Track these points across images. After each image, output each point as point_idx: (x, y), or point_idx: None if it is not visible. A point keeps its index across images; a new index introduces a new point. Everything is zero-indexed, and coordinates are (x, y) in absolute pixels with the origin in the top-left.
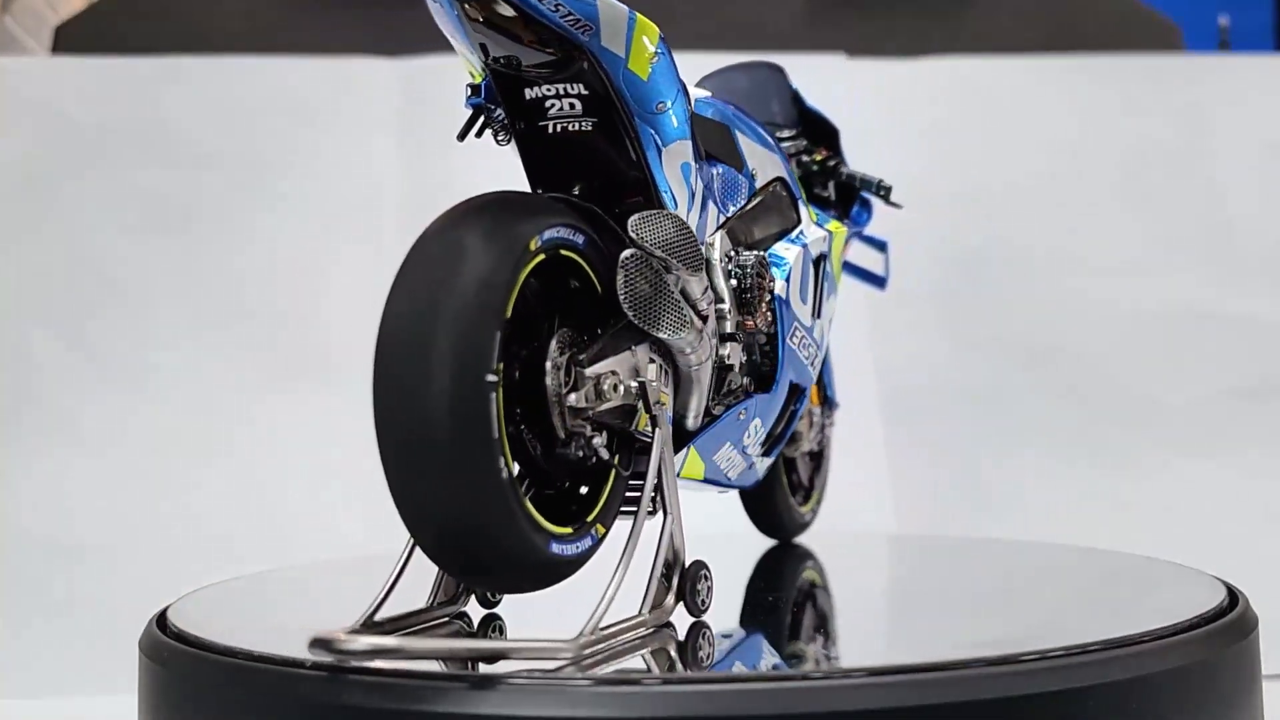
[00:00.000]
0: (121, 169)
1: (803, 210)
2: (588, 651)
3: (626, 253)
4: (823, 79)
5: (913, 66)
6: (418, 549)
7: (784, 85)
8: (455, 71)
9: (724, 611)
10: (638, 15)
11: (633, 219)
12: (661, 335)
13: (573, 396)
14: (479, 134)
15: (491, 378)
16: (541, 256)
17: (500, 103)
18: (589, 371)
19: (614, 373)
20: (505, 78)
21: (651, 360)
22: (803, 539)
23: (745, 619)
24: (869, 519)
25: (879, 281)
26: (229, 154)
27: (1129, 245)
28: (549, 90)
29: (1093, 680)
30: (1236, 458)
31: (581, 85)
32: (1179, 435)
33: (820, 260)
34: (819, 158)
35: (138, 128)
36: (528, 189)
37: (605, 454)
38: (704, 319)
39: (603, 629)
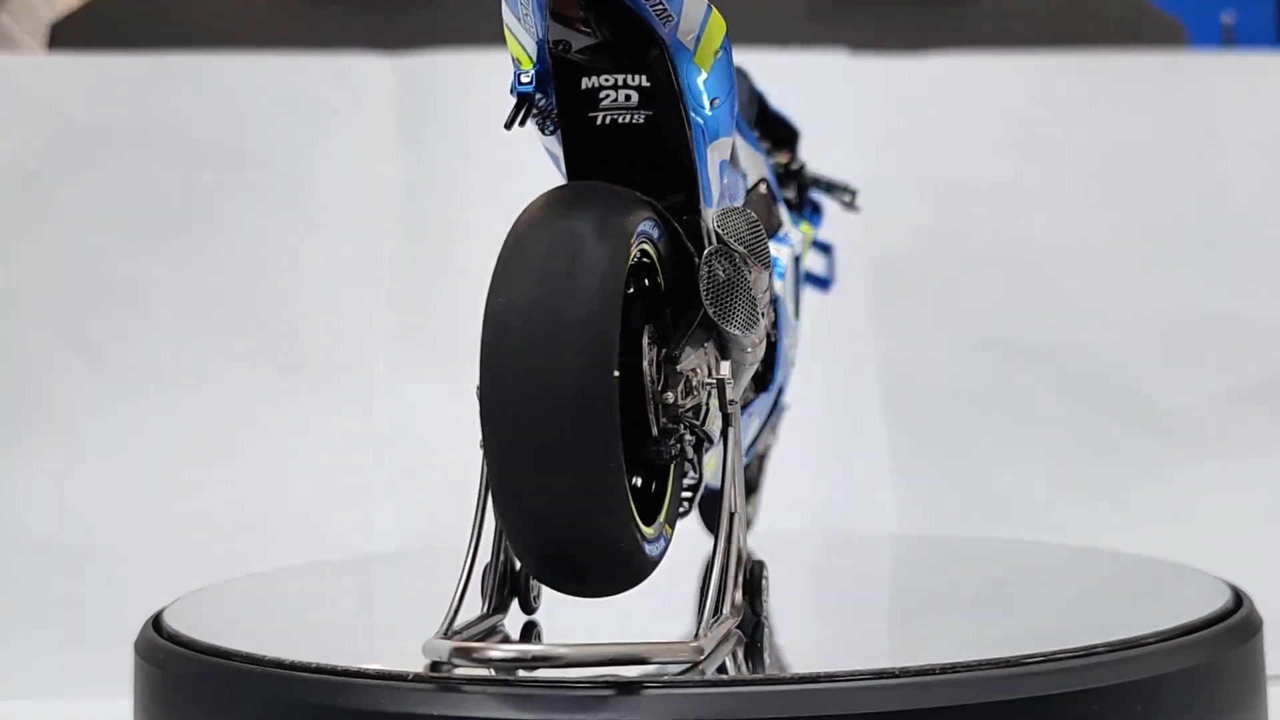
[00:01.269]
0: (118, 166)
1: (783, 211)
2: (708, 652)
3: (711, 247)
4: (824, 75)
5: (915, 63)
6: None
7: (747, 86)
8: (454, 68)
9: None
10: (713, 8)
11: (716, 214)
12: (734, 331)
13: (668, 394)
14: (522, 123)
15: (615, 373)
16: (636, 250)
17: (552, 92)
18: (680, 367)
19: (695, 370)
20: (566, 65)
21: (718, 358)
22: (805, 538)
23: (746, 619)
24: (869, 519)
25: (824, 284)
26: (227, 151)
27: (1131, 243)
28: (606, 81)
29: (1097, 683)
30: (1241, 458)
31: (644, 77)
32: (1182, 435)
33: (797, 261)
34: (783, 161)
35: (134, 125)
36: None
37: (692, 451)
38: (763, 316)
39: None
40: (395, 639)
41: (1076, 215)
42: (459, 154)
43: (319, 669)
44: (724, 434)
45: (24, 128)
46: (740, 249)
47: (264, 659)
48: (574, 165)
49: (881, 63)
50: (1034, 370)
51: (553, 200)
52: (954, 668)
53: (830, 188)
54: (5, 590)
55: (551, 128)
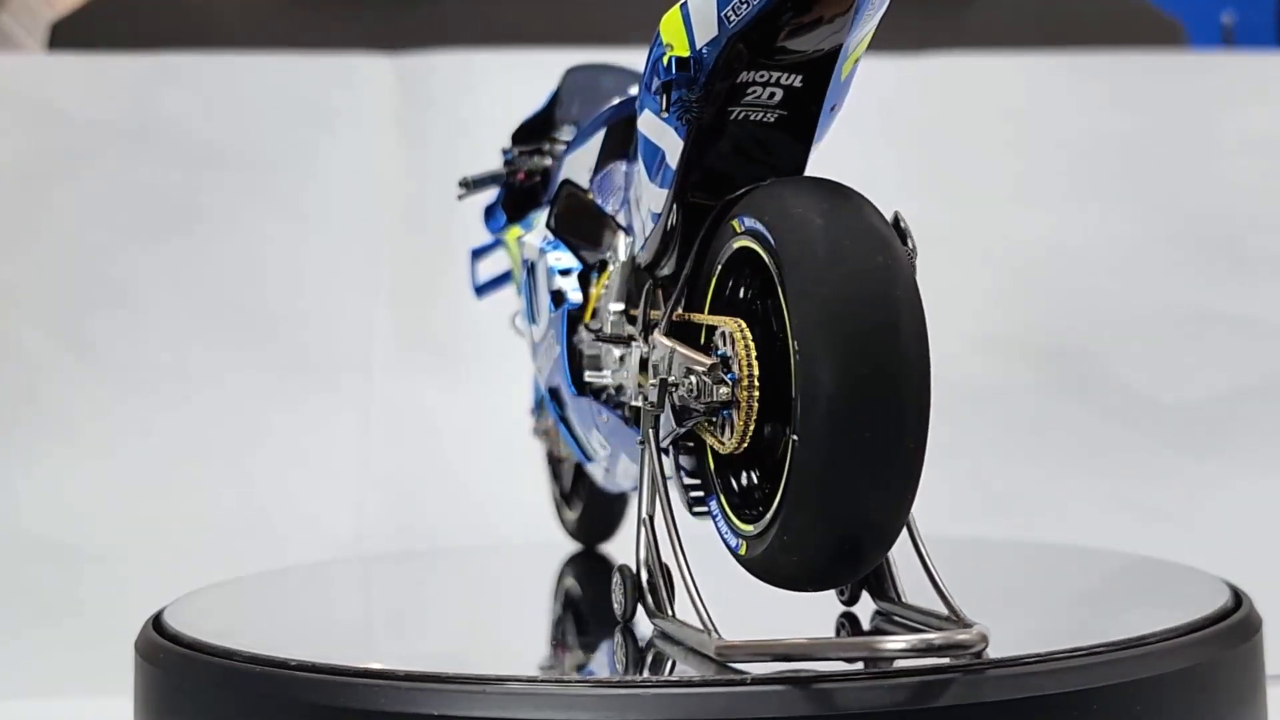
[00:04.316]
0: (118, 166)
1: None
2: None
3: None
4: None
5: (913, 63)
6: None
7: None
8: (454, 68)
9: (732, 612)
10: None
11: (896, 212)
12: None
13: None
14: (668, 109)
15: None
16: None
17: (704, 82)
18: None
19: None
20: (737, 57)
21: None
22: None
23: (747, 619)
24: None
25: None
26: (226, 151)
27: (1131, 243)
28: (762, 77)
29: (1097, 682)
30: (1240, 458)
31: (799, 77)
32: (1181, 435)
33: None
34: None
35: (134, 125)
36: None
37: None
38: None
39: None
40: (395, 639)
41: (1076, 215)
42: (459, 154)
43: (319, 668)
44: None
45: (24, 127)
46: (912, 244)
47: (264, 658)
48: (689, 157)
49: (881, 63)
50: (1034, 370)
51: (815, 193)
52: (954, 668)
53: None
54: (5, 590)
55: (691, 117)
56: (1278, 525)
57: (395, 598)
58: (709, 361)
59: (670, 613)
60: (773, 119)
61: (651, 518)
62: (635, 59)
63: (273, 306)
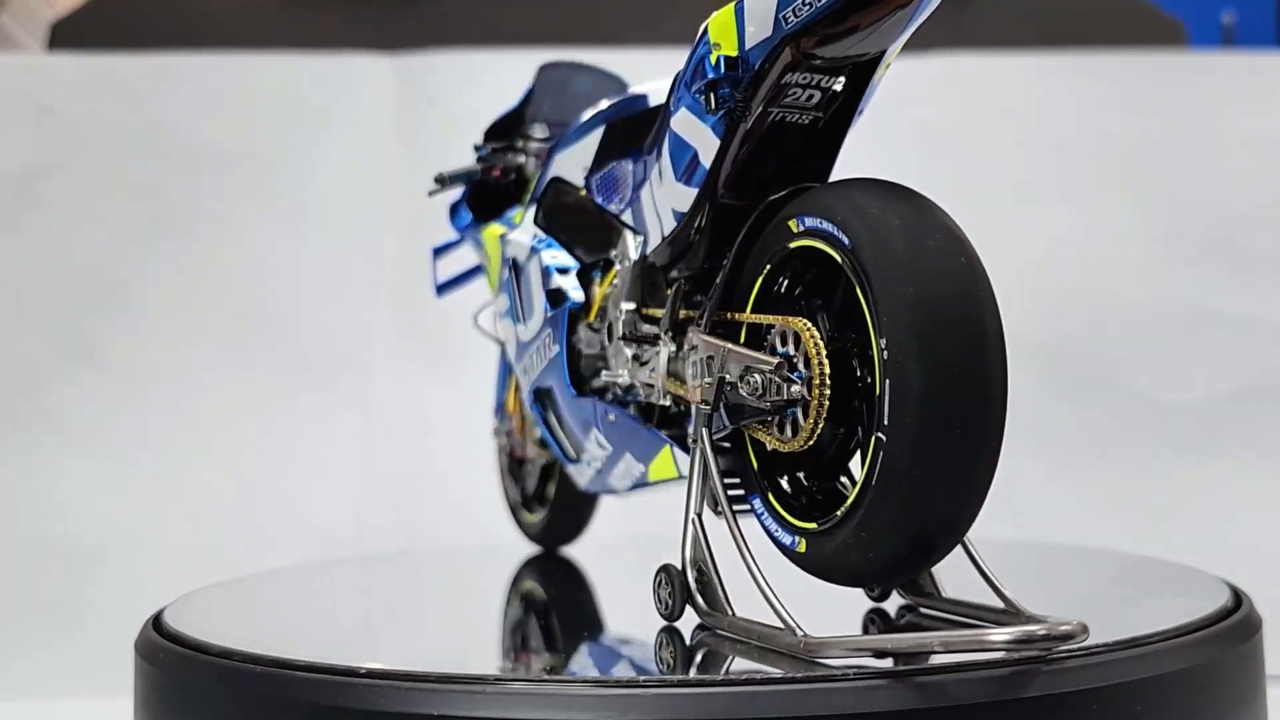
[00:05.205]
0: (118, 166)
1: None
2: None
3: None
4: None
5: (913, 63)
6: None
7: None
8: (453, 68)
9: (738, 612)
10: None
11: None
12: None
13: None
14: (716, 109)
15: None
16: None
17: (748, 82)
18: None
19: None
20: (788, 60)
21: None
22: None
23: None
24: None
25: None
26: (225, 151)
27: (1131, 243)
28: (804, 79)
29: (1097, 682)
30: (1240, 457)
31: (842, 79)
32: (1181, 435)
33: None
34: None
35: (133, 125)
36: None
37: None
38: None
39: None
40: (395, 639)
41: (1076, 215)
42: (458, 154)
43: (319, 668)
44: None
45: (24, 127)
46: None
47: (264, 658)
48: (723, 155)
49: None
50: (1033, 370)
51: (886, 194)
52: (954, 668)
53: None
54: (6, 590)
55: (734, 113)
56: (1278, 525)
57: (395, 598)
58: (774, 361)
59: (730, 611)
60: (807, 121)
61: (700, 516)
62: (635, 59)
63: (272, 306)
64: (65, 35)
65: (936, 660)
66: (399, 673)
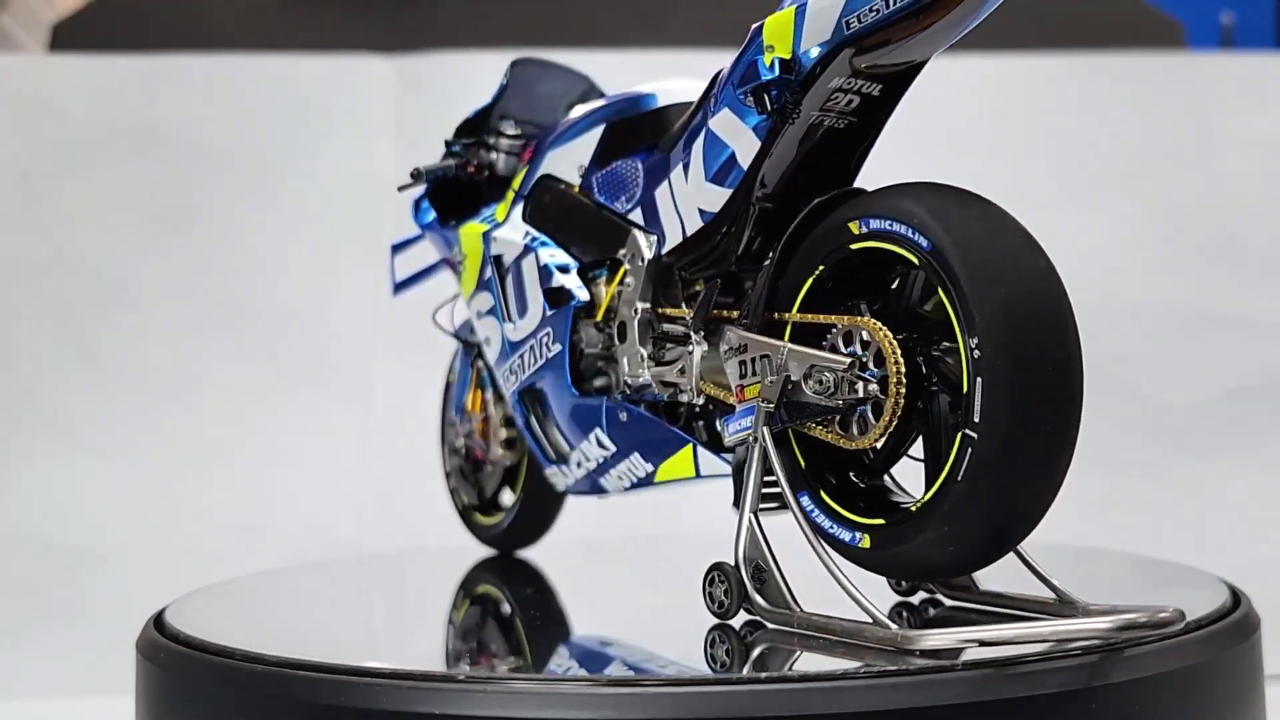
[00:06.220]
0: (118, 167)
1: None
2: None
3: None
4: None
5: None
6: None
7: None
8: (454, 70)
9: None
10: None
11: None
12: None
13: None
14: (772, 110)
15: None
16: None
17: (798, 85)
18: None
19: None
20: (840, 65)
21: None
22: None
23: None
24: None
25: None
26: (226, 152)
27: (1129, 244)
28: (850, 84)
29: (1095, 681)
30: (1238, 457)
31: (881, 85)
32: (1180, 435)
33: None
34: None
35: (135, 126)
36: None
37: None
38: None
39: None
40: (395, 639)
41: (1074, 215)
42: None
43: (320, 667)
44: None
45: (25, 128)
46: None
47: (265, 657)
48: (763, 157)
49: None
50: None
51: (958, 198)
52: (954, 667)
53: None
54: (7, 590)
55: (775, 115)
56: (1277, 525)
57: (395, 598)
58: (846, 360)
59: (798, 607)
60: (842, 125)
61: (756, 513)
62: (636, 60)
63: (273, 307)
64: (66, 36)
65: (940, 660)
66: (399, 672)
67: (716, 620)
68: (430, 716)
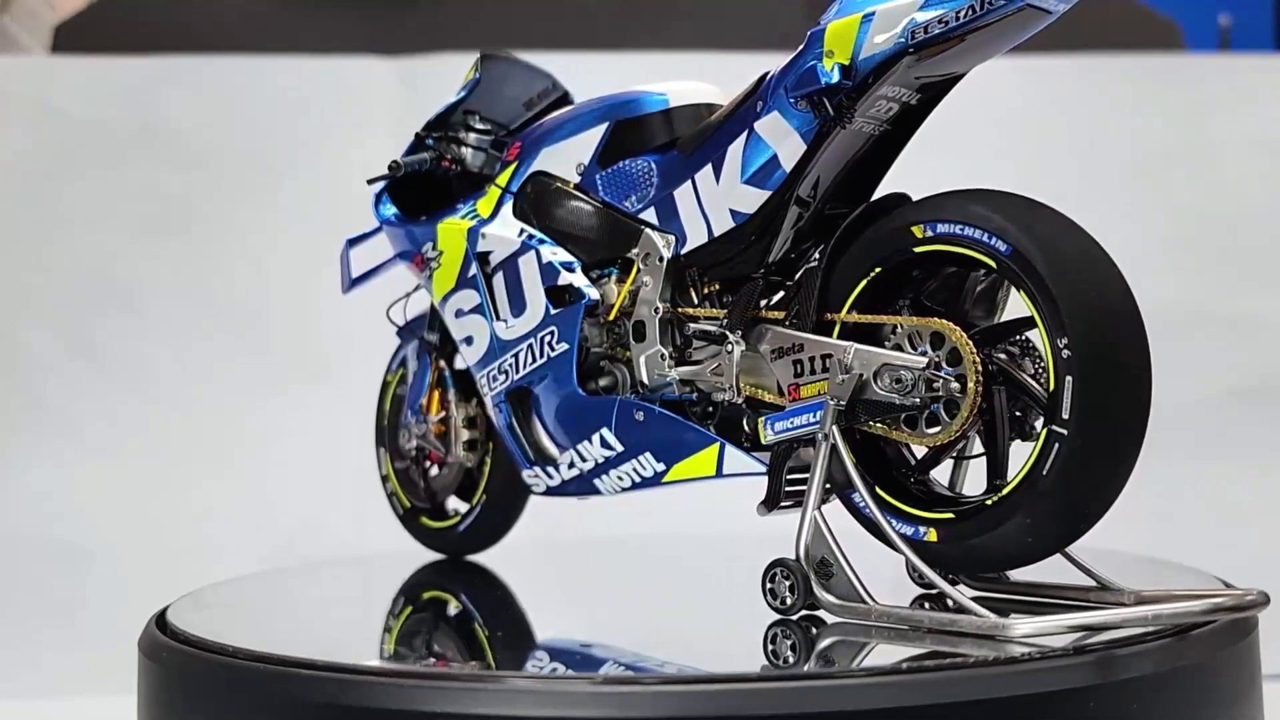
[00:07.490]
0: (120, 168)
1: None
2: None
3: None
4: None
5: None
6: None
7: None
8: (455, 72)
9: (747, 612)
10: None
11: None
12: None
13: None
14: (836, 114)
15: None
16: None
17: (856, 89)
18: None
19: None
20: (895, 73)
21: None
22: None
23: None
24: None
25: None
26: (227, 154)
27: (1128, 245)
28: (893, 92)
29: (1094, 680)
30: (1237, 457)
31: (922, 94)
32: (1179, 435)
33: None
34: None
35: (136, 127)
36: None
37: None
38: None
39: None
40: (396, 639)
41: (1074, 216)
42: None
43: (321, 667)
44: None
45: (27, 129)
46: None
47: (267, 657)
48: (808, 160)
49: None
50: None
51: (1027, 205)
52: (954, 665)
53: None
54: (9, 590)
55: (826, 119)
56: (1276, 525)
57: (395, 597)
58: (923, 360)
59: (872, 600)
60: (877, 132)
61: (820, 509)
62: (637, 62)
63: (273, 307)
64: (68, 38)
65: (939, 659)
66: (399, 671)
67: (778, 616)
68: (430, 716)
